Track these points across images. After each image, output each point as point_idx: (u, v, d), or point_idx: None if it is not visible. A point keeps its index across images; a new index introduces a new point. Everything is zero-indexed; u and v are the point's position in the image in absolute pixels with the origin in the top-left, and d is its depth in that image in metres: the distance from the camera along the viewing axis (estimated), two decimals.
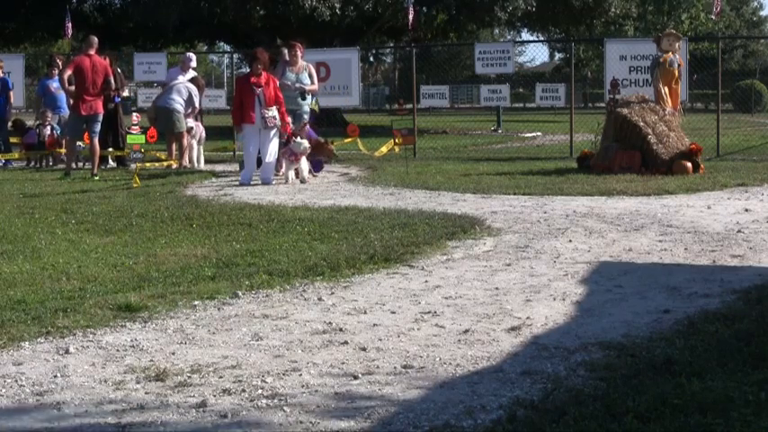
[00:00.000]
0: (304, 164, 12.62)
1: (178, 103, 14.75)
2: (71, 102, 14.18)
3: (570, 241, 7.58)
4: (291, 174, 12.52)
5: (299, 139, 12.41)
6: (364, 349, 4.52)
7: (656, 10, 44.71)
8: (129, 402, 3.79)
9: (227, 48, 37.06)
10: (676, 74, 14.12)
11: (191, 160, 15.18)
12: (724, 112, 19.28)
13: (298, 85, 13.27)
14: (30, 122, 17.51)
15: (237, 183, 12.46)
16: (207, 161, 15.91)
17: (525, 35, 61.36)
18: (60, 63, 15.85)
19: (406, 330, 4.89)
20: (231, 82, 21.94)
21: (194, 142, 15.27)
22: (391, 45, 37.46)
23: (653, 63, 14.33)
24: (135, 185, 11.93)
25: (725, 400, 3.54)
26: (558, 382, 3.93)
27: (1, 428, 3.55)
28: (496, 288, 5.90)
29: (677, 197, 10.42)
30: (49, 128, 15.95)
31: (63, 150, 15.22)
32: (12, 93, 16.46)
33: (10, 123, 16.72)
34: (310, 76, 13.44)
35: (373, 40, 33.98)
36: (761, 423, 3.35)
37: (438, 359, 4.35)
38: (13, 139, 16.84)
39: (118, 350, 4.56)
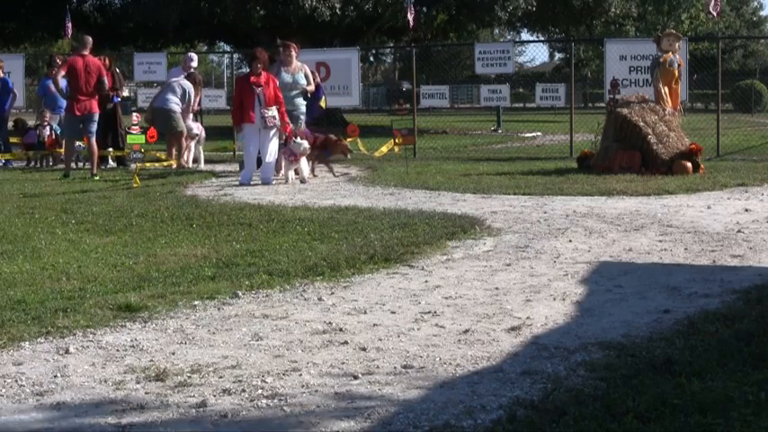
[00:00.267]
0: (304, 164, 12.63)
1: (173, 102, 14.78)
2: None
3: (570, 241, 7.58)
4: (291, 174, 12.52)
5: (298, 139, 12.42)
6: (364, 349, 4.52)
7: (655, 10, 44.75)
8: (129, 402, 3.79)
9: (227, 48, 37.06)
10: (676, 74, 14.12)
11: (195, 160, 15.19)
12: (724, 112, 19.28)
13: (310, 87, 13.33)
14: (31, 122, 17.53)
15: (237, 183, 12.46)
16: (207, 161, 15.93)
17: (525, 35, 61.37)
18: (60, 63, 15.85)
19: (406, 330, 4.89)
20: (231, 82, 21.94)
21: (193, 144, 15.27)
22: (391, 45, 37.46)
23: (653, 63, 14.33)
24: (135, 185, 11.93)
25: (725, 400, 3.54)
26: (558, 382, 3.93)
27: (1, 428, 3.55)
28: (496, 288, 5.90)
29: (677, 197, 10.42)
30: (48, 128, 15.96)
31: (62, 150, 15.22)
32: (11, 96, 16.45)
33: (11, 123, 16.74)
34: (306, 76, 13.43)
35: (373, 40, 33.98)
36: (761, 423, 3.35)
37: (438, 359, 4.35)
38: (13, 140, 16.85)
39: (118, 350, 4.56)
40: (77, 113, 13.71)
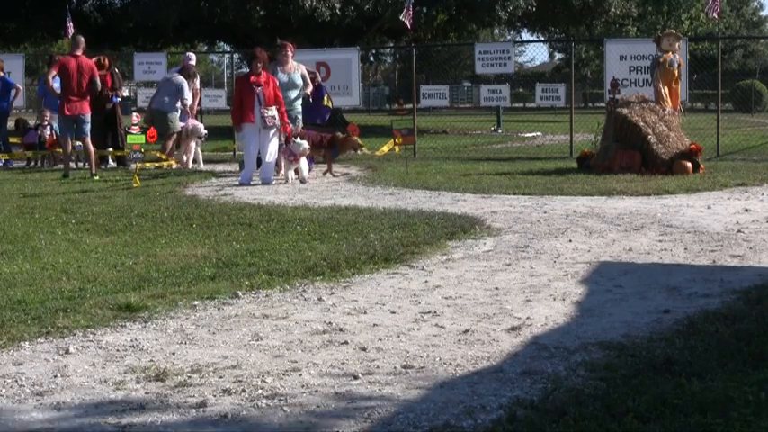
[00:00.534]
0: (304, 164, 12.63)
1: (168, 103, 14.81)
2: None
3: (570, 241, 7.58)
4: (291, 174, 12.52)
5: (298, 139, 12.42)
6: (364, 349, 4.52)
7: (655, 10, 44.74)
8: (129, 402, 3.79)
9: (227, 48, 37.06)
10: (676, 74, 14.12)
11: (194, 160, 15.20)
12: (724, 112, 19.28)
13: (308, 88, 13.34)
14: (32, 122, 17.53)
15: (237, 183, 12.46)
16: (207, 161, 15.93)
17: (525, 35, 61.37)
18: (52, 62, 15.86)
19: (406, 330, 4.89)
20: (231, 82, 21.95)
21: (193, 144, 15.26)
22: (391, 45, 37.45)
23: (653, 63, 14.33)
24: (135, 185, 11.93)
25: (725, 400, 3.54)
26: (558, 382, 3.93)
27: (1, 428, 3.55)
28: (496, 288, 5.90)
29: (677, 197, 10.42)
30: (49, 128, 15.96)
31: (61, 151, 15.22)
32: (14, 91, 16.44)
33: (13, 123, 16.74)
34: (303, 76, 13.43)
35: (373, 40, 33.98)
36: (761, 423, 3.35)
37: (438, 359, 4.35)
38: (13, 140, 16.85)
39: (118, 350, 4.56)
40: (67, 113, 13.71)
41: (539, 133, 26.26)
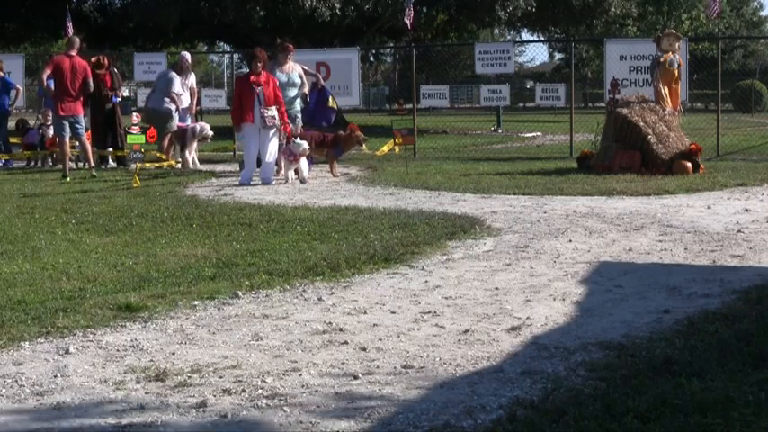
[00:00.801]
0: (304, 164, 12.63)
1: (163, 102, 14.83)
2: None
3: (570, 241, 7.58)
4: (291, 174, 12.52)
5: (298, 139, 12.42)
6: (364, 349, 4.52)
7: (655, 10, 44.73)
8: (129, 402, 3.79)
9: (228, 48, 37.05)
10: (676, 74, 14.13)
11: (194, 161, 15.20)
12: (724, 112, 19.28)
13: (304, 89, 13.34)
14: (32, 122, 17.53)
15: (237, 183, 12.46)
16: (207, 161, 15.92)
17: (525, 35, 61.41)
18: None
19: (406, 330, 4.89)
20: (231, 82, 21.94)
21: (195, 144, 15.26)
22: (391, 45, 37.44)
23: (653, 63, 14.33)
24: (135, 185, 11.93)
25: (725, 400, 3.54)
26: (558, 382, 3.93)
27: (1, 428, 3.55)
28: (496, 288, 5.90)
29: (677, 197, 10.42)
30: (51, 128, 15.94)
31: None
32: (14, 92, 16.44)
33: (14, 123, 16.74)
34: (300, 76, 13.43)
35: (373, 40, 33.97)
36: (761, 423, 3.35)
37: (438, 359, 4.35)
38: (13, 140, 16.85)
39: (118, 350, 4.56)
40: (61, 113, 13.72)
41: (539, 133, 26.26)
